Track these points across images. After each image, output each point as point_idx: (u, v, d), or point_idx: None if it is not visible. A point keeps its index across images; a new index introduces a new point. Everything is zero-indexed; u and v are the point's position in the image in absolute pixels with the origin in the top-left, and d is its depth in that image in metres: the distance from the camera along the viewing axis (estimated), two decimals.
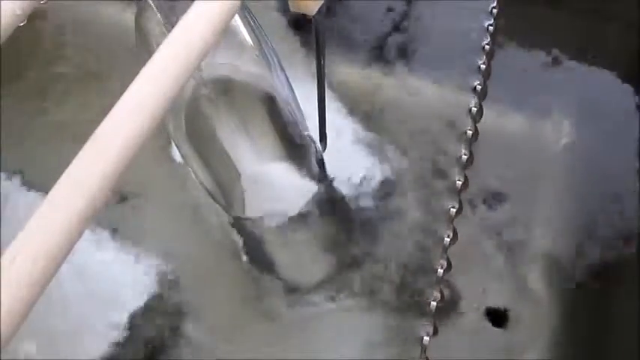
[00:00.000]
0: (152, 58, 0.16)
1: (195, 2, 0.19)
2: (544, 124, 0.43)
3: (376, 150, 0.42)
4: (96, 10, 0.48)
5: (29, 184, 0.42)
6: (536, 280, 0.38)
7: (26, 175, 0.43)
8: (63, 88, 0.45)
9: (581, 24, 0.47)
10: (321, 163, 0.40)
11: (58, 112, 0.45)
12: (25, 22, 0.22)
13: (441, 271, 0.37)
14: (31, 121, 0.44)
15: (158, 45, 0.18)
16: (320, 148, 0.39)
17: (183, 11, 0.19)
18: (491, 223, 0.40)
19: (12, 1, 0.20)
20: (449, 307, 0.37)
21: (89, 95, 0.44)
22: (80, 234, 0.14)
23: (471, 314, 0.37)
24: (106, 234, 0.40)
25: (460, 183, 0.40)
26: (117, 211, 0.41)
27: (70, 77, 0.46)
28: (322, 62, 0.32)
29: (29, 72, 0.46)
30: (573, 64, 0.45)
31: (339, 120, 0.43)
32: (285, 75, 0.34)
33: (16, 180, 0.42)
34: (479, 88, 0.43)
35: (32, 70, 0.46)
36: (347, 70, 0.45)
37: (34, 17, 0.47)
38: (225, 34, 0.18)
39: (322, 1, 0.27)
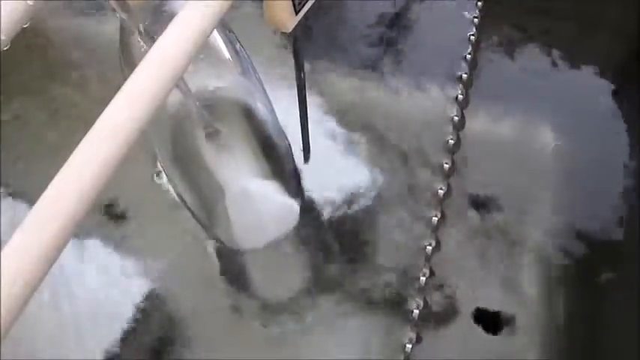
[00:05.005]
0: (125, 83, 0.17)
1: (171, 25, 0.20)
2: (533, 129, 0.43)
3: (362, 159, 0.42)
4: (96, 28, 0.49)
5: (27, 201, 0.43)
6: (529, 284, 0.38)
7: (27, 192, 0.43)
8: (64, 107, 0.46)
9: (569, 30, 0.47)
10: (298, 177, 0.40)
11: (59, 129, 0.45)
12: (8, 46, 0.22)
13: (424, 279, 0.38)
14: (32, 138, 0.45)
15: None
16: (300, 162, 0.40)
17: (163, 30, 0.20)
18: (483, 229, 0.40)
19: None
20: (441, 314, 0.38)
21: (90, 113, 0.44)
22: (56, 256, 0.14)
23: (465, 320, 0.38)
24: (95, 249, 0.41)
25: (442, 192, 0.41)
26: (107, 227, 0.41)
27: (70, 95, 0.46)
28: (302, 76, 0.33)
29: (29, 90, 0.47)
30: (562, 69, 0.46)
31: (325, 129, 0.43)
32: (265, 92, 0.34)
33: (13, 196, 0.43)
34: (460, 97, 0.44)
35: (32, 89, 0.47)
36: (334, 80, 0.45)
37: (35, 37, 0.48)
38: (197, 56, 0.19)
39: (298, 18, 0.28)
